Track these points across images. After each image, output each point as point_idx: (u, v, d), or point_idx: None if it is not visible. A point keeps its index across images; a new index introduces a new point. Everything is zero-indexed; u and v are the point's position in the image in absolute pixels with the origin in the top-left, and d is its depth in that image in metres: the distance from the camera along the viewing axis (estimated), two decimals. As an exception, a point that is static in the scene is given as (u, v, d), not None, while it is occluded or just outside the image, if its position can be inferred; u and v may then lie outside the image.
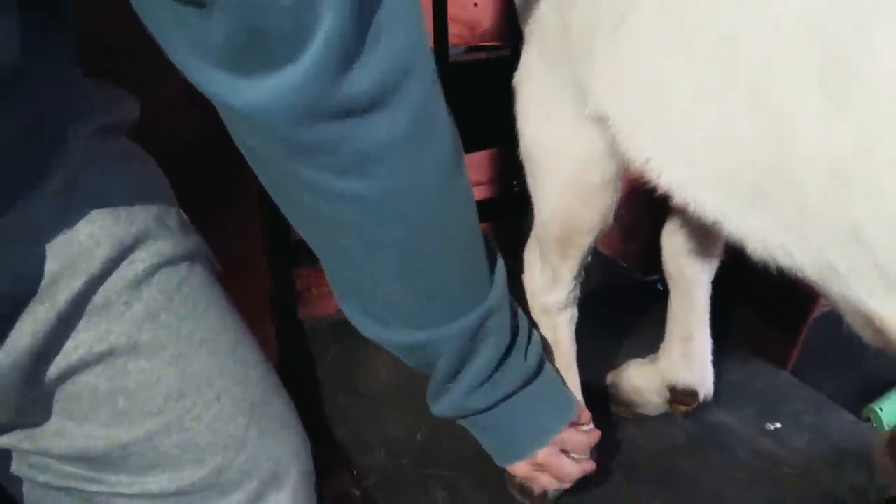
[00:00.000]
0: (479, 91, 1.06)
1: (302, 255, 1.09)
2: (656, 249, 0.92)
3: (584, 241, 0.69)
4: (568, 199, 0.65)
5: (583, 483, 0.87)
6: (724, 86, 0.43)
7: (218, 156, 0.59)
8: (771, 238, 0.45)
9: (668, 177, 0.49)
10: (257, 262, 0.99)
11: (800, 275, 0.45)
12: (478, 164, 1.28)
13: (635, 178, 1.52)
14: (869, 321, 0.41)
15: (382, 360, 1.01)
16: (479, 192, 1.32)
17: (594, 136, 0.58)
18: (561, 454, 0.72)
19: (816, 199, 0.39)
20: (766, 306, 1.11)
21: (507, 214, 1.26)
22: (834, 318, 1.39)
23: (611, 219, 0.68)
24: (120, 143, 0.52)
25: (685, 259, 0.86)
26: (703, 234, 0.84)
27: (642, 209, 1.15)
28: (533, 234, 0.73)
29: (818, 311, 1.34)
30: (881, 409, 1.17)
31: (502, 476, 0.83)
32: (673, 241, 0.87)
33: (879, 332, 0.41)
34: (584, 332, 0.94)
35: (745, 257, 0.96)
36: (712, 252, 0.86)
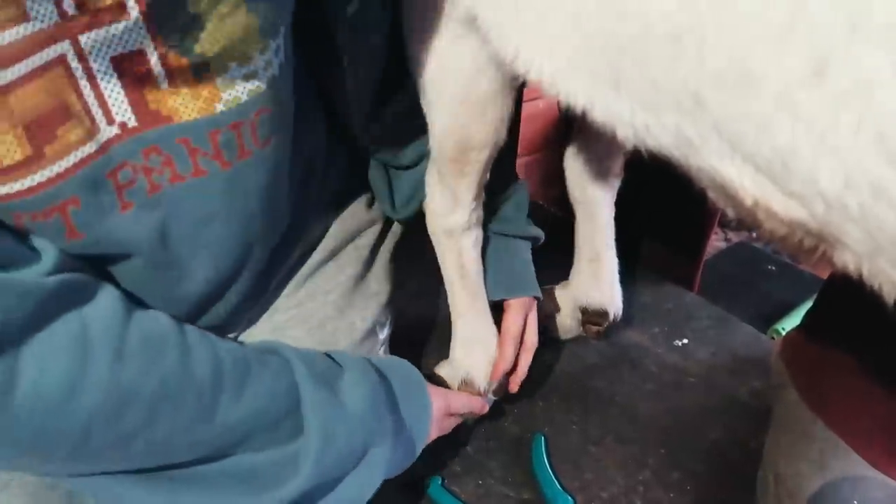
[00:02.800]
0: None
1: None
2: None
3: (480, 158, 0.68)
4: (458, 114, 0.64)
5: (500, 408, 0.89)
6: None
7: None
8: (636, 121, 0.45)
9: (537, 71, 0.48)
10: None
11: (667, 154, 0.45)
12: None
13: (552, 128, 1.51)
14: (724, 189, 0.42)
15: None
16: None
17: (475, 45, 0.57)
18: (448, 418, 0.75)
19: (662, 71, 0.39)
20: (669, 236, 1.13)
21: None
22: (736, 249, 1.43)
23: (504, 133, 0.67)
24: None
25: (588, 180, 0.87)
26: (603, 155, 0.85)
27: (560, 158, 1.16)
28: (431, 158, 0.72)
29: (721, 243, 1.38)
30: (783, 329, 1.22)
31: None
32: (574, 163, 0.87)
33: (733, 198, 0.41)
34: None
35: (646, 194, 0.98)
36: (612, 171, 0.86)
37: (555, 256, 1.06)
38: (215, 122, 0.50)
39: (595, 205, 0.88)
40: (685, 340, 1.00)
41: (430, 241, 0.81)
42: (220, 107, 0.50)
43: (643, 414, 0.90)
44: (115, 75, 0.46)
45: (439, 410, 0.71)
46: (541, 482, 0.81)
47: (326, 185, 0.75)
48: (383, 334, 0.80)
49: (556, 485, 0.80)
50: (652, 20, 0.38)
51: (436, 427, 0.72)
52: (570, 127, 0.90)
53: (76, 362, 0.45)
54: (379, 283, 0.79)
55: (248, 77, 0.50)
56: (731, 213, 0.46)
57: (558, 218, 1.27)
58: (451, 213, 0.74)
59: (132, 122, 0.48)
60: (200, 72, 0.48)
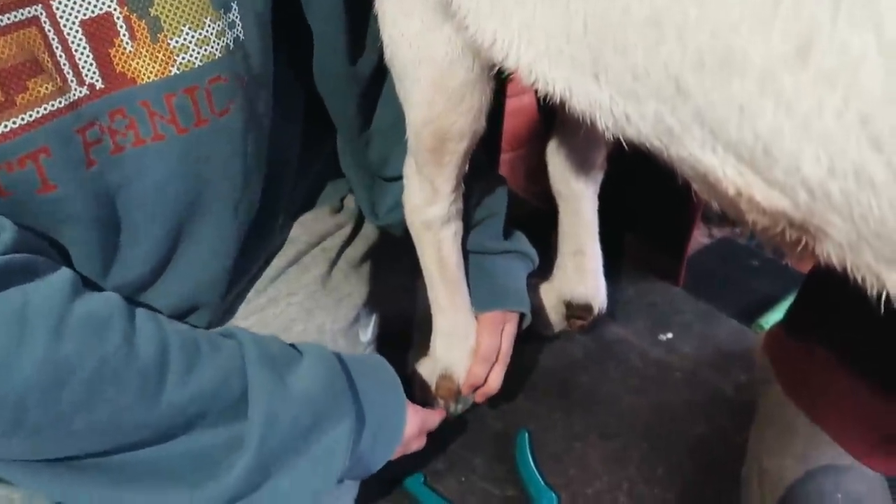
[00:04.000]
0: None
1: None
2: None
3: (458, 149, 0.66)
4: (435, 103, 0.62)
5: (483, 403, 0.87)
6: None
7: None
8: (616, 109, 0.43)
9: (514, 57, 0.46)
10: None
11: (647, 144, 0.44)
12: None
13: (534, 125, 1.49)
14: (705, 179, 0.40)
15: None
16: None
17: (450, 33, 0.55)
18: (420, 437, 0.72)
19: (643, 57, 0.38)
20: (652, 231, 1.12)
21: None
22: (719, 245, 1.42)
23: (483, 122, 0.65)
24: None
25: (570, 174, 0.85)
26: (585, 148, 0.84)
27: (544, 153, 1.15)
28: (408, 149, 0.70)
29: (704, 238, 1.37)
30: (767, 324, 1.21)
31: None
32: (557, 157, 0.86)
33: (714, 187, 0.40)
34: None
35: (629, 189, 0.97)
36: (595, 164, 0.85)
37: (539, 252, 1.04)
38: (170, 85, 0.53)
39: (578, 198, 0.87)
40: (670, 335, 0.99)
41: (408, 238, 0.79)
42: (174, 70, 0.53)
43: (628, 409, 0.88)
44: (85, 38, 0.50)
45: (413, 426, 0.68)
46: (525, 479, 0.80)
47: (296, 192, 0.75)
48: (366, 337, 0.78)
49: (540, 482, 0.79)
50: (632, 4, 0.36)
51: (410, 440, 0.69)
52: (551, 122, 0.88)
53: (11, 337, 0.45)
54: (350, 285, 0.77)
55: (200, 43, 0.53)
56: (714, 204, 0.45)
57: (543, 213, 1.25)
58: (430, 206, 0.72)
59: (100, 84, 0.51)
60: (156, 33, 0.51)
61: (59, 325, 0.47)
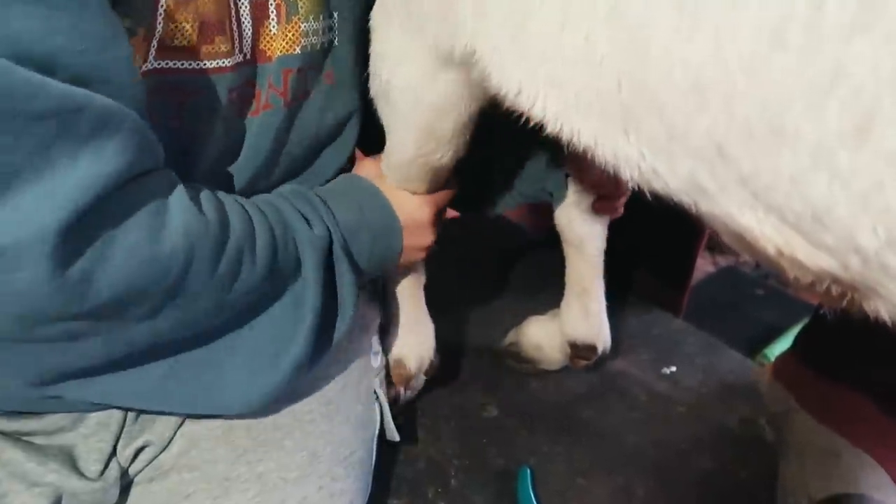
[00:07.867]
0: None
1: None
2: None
3: (441, 173, 0.68)
4: (425, 144, 0.63)
5: (485, 440, 0.85)
6: (585, 5, 0.39)
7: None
8: (643, 164, 0.41)
9: (541, 107, 0.44)
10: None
11: (674, 198, 0.42)
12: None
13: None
14: (740, 237, 0.39)
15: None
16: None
17: (451, 80, 0.55)
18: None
19: (682, 120, 0.36)
20: (654, 264, 1.11)
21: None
22: (724, 273, 1.41)
23: (463, 153, 0.66)
24: None
25: (576, 214, 0.83)
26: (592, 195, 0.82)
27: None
28: (384, 168, 0.70)
29: (710, 267, 1.36)
30: (771, 354, 1.20)
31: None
32: (564, 202, 0.84)
33: (750, 245, 0.38)
34: (486, 293, 0.90)
35: (632, 224, 0.96)
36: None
37: (543, 285, 1.02)
38: (291, 62, 0.60)
39: (583, 241, 0.85)
40: (673, 368, 0.97)
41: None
42: (297, 49, 0.60)
43: (631, 444, 0.86)
44: (250, 15, 0.57)
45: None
46: (528, 517, 0.77)
47: None
48: (377, 363, 0.78)
49: (543, 519, 0.77)
50: (674, 69, 0.34)
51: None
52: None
53: (209, 200, 0.51)
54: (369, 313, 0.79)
55: (315, 33, 0.61)
56: (748, 257, 0.43)
57: (547, 247, 1.23)
58: None
59: (249, 55, 0.57)
60: (291, 16, 0.59)
61: (213, 197, 0.53)
